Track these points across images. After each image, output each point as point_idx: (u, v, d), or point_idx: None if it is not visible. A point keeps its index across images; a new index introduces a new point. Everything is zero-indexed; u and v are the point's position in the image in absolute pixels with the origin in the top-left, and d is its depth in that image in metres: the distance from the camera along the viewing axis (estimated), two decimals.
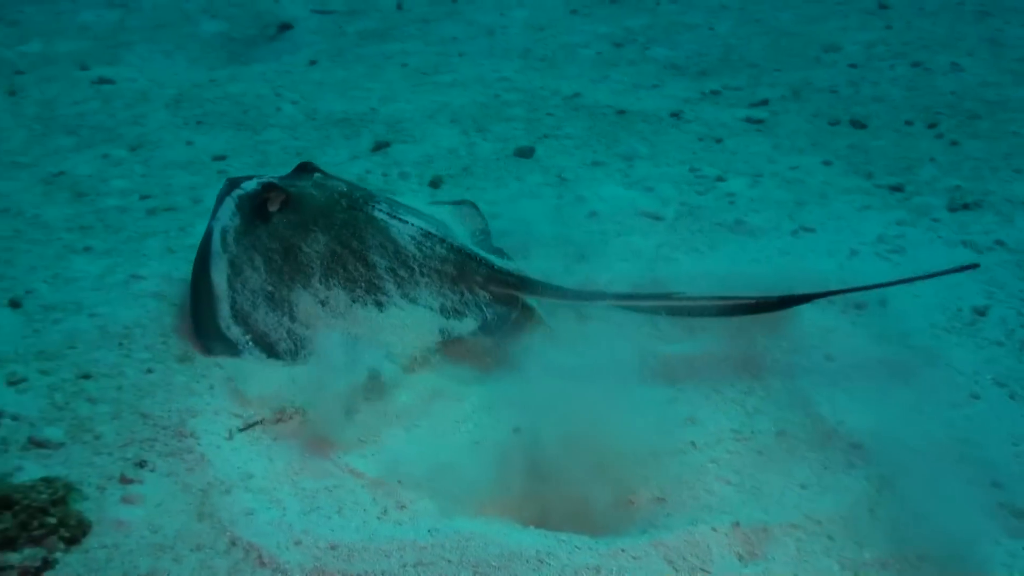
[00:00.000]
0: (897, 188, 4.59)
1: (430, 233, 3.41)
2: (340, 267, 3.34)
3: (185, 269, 4.06)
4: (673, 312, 3.25)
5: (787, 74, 6.24)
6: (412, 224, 3.42)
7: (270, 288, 3.36)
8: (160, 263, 4.22)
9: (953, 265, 3.23)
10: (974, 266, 3.22)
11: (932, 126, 5.41)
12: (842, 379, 3.20)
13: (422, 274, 3.33)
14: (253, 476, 2.93)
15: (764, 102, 5.76)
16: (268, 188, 3.44)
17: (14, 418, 3.22)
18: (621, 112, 5.69)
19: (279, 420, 3.23)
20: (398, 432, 3.14)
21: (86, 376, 3.42)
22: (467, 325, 3.34)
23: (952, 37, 6.97)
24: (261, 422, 3.22)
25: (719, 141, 5.24)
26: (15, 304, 3.94)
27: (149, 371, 3.43)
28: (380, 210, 3.44)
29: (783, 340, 3.39)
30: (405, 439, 3.12)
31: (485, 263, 3.37)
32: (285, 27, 8.27)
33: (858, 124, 5.37)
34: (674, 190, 4.61)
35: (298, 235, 3.38)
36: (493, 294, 3.37)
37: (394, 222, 3.42)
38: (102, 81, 6.79)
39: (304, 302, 3.33)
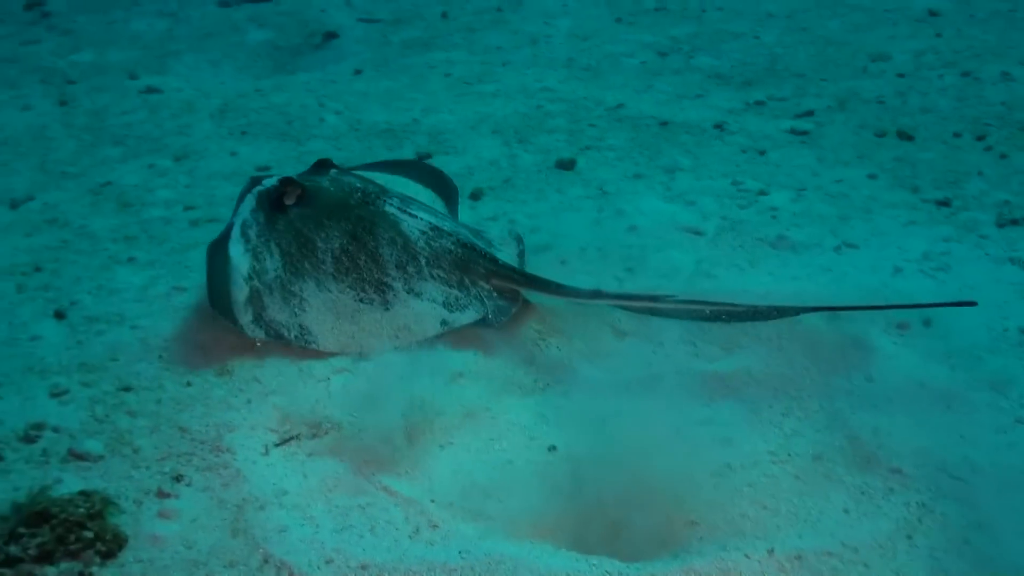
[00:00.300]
0: (944, 203, 4.51)
1: (438, 227, 3.57)
2: (351, 260, 3.51)
3: None
4: (665, 314, 3.38)
5: (833, 84, 6.16)
6: (421, 218, 3.59)
7: (283, 277, 3.54)
8: (202, 275, 4.23)
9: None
10: (972, 303, 3.21)
11: (981, 138, 5.31)
12: (883, 401, 3.15)
13: (429, 267, 3.47)
14: (287, 492, 2.95)
15: (809, 113, 5.69)
16: (285, 182, 3.60)
17: (55, 430, 3.27)
18: (664, 123, 5.65)
19: (315, 435, 3.24)
20: (432, 449, 3.13)
21: (126, 389, 3.46)
22: (468, 316, 3.48)
23: (1003, 45, 6.83)
24: (297, 437, 3.24)
25: (762, 153, 5.19)
26: (60, 315, 4.00)
27: (188, 384, 3.46)
28: (391, 204, 3.60)
29: (822, 360, 3.33)
30: (438, 456, 3.11)
31: (489, 258, 3.55)
32: (331, 36, 8.33)
33: (905, 136, 5.28)
34: (715, 204, 4.57)
35: (312, 227, 3.56)
36: (496, 288, 3.53)
37: (404, 216, 3.57)
38: (150, 91, 6.88)
39: (314, 292, 3.51)
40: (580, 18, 8.25)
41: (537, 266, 3.91)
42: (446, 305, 3.47)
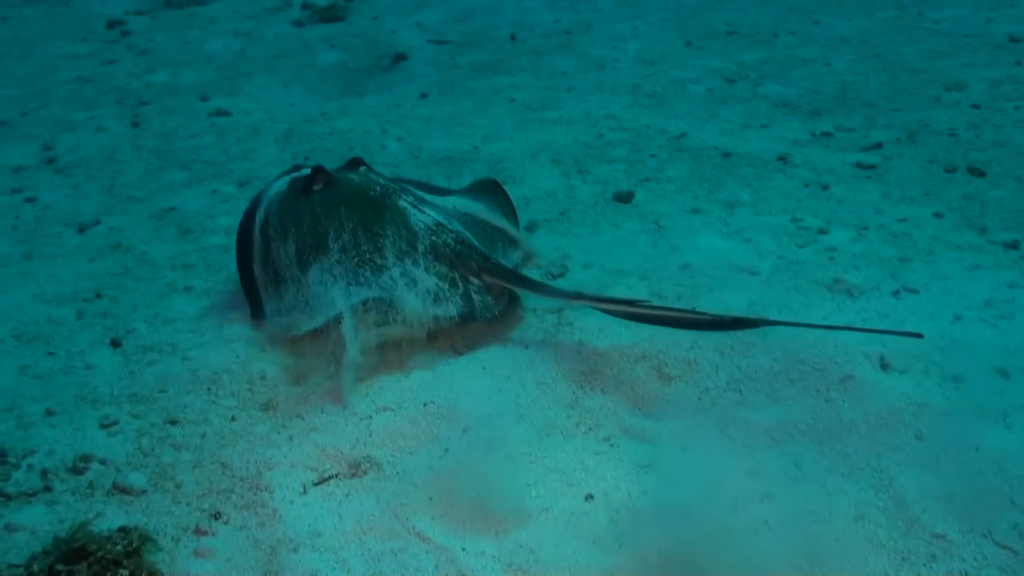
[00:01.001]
0: (1012, 245, 4.34)
1: (442, 224, 3.79)
2: (356, 243, 3.78)
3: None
4: (638, 318, 3.52)
5: (904, 115, 6.00)
6: (429, 215, 3.83)
7: (295, 250, 3.86)
8: None
9: None
10: (918, 335, 3.30)
11: None
12: (931, 461, 3.04)
13: (426, 259, 3.70)
14: (321, 535, 2.96)
15: (877, 145, 5.55)
16: (317, 170, 3.95)
17: (102, 462, 3.33)
18: (726, 155, 5.56)
19: (354, 475, 3.24)
20: (468, 493, 3.11)
21: (173, 422, 3.50)
22: (456, 309, 3.66)
23: None
24: (336, 476, 3.24)
25: (825, 188, 5.07)
26: (116, 343, 4.08)
27: (233, 419, 3.49)
28: (405, 200, 3.87)
29: (871, 415, 3.23)
30: (473, 500, 3.08)
31: (482, 255, 3.76)
32: (400, 58, 8.39)
33: (976, 172, 5.11)
34: (773, 242, 4.47)
35: (328, 209, 3.86)
36: (486, 284, 3.73)
37: (414, 211, 3.84)
38: (219, 113, 7.00)
39: (318, 269, 3.78)
40: (649, 41, 8.18)
41: None
42: (437, 296, 3.65)
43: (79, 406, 3.70)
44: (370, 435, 3.40)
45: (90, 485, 3.25)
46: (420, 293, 3.65)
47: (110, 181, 6.02)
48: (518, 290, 3.82)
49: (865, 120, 6.00)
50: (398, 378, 3.67)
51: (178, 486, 3.22)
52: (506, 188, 5.03)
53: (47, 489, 3.25)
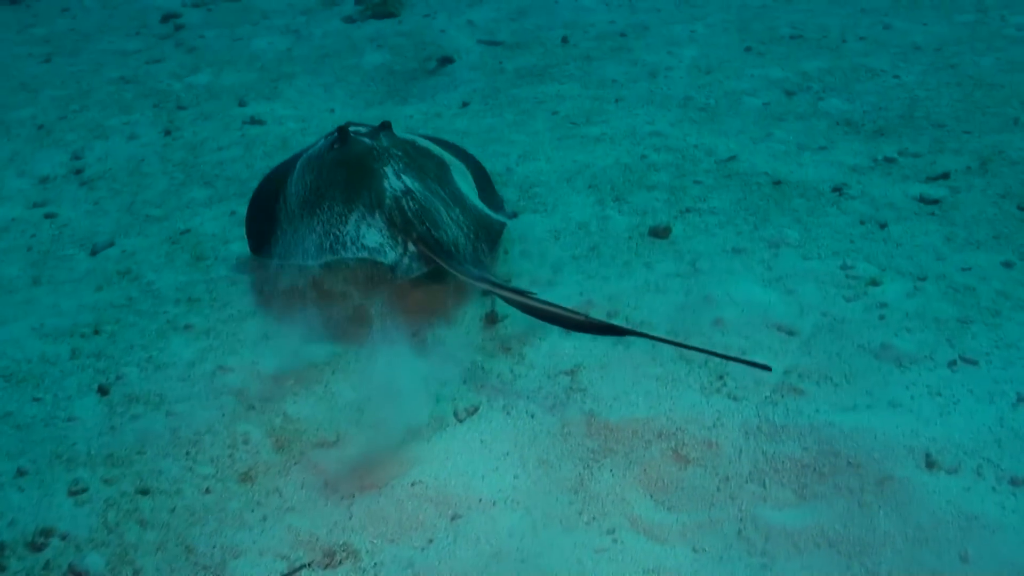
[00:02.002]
0: None
1: (409, 191, 4.16)
2: (340, 193, 4.22)
3: (275, 363, 3.87)
4: (526, 310, 3.58)
5: (977, 138, 5.47)
6: (403, 182, 4.21)
7: (301, 198, 4.33)
8: (251, 352, 4.05)
9: None
10: (767, 368, 3.26)
11: None
12: None
13: (382, 217, 4.11)
14: None
15: (944, 176, 5.04)
16: (340, 130, 4.41)
17: (63, 537, 3.11)
18: (777, 183, 5.11)
19: (328, 564, 2.94)
20: None
21: (144, 492, 3.28)
22: (388, 259, 4.05)
23: None
24: (308, 565, 2.93)
25: (883, 227, 4.60)
26: (103, 391, 3.86)
27: (207, 491, 3.24)
28: (391, 167, 4.26)
29: (910, 526, 2.81)
30: None
31: (427, 226, 4.06)
32: (446, 60, 8.06)
33: None
34: (818, 294, 4.03)
35: (329, 166, 4.32)
36: (418, 250, 4.00)
37: (392, 178, 4.23)
38: (253, 121, 6.76)
39: (307, 214, 4.26)
40: (707, 46, 7.71)
41: None
42: (378, 248, 4.06)
43: (52, 466, 3.47)
44: (350, 518, 3.10)
45: (46, 566, 3.01)
46: (370, 239, 4.09)
47: (131, 197, 5.80)
48: (444, 263, 3.99)
49: (933, 144, 5.48)
50: (391, 449, 3.33)
51: (136, 572, 2.93)
52: (536, 217, 4.70)
53: (1, 568, 2.99)
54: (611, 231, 4.76)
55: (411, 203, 4.12)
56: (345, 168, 4.26)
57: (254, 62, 8.58)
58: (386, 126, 4.51)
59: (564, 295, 4.22)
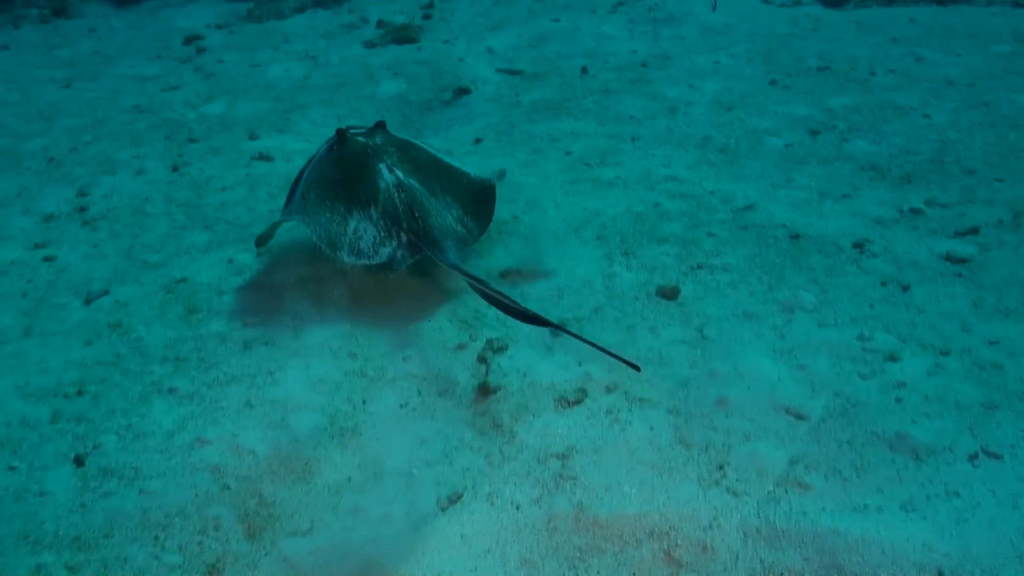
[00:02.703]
0: None
1: (401, 184, 4.53)
2: (337, 190, 4.59)
3: (256, 435, 3.69)
4: (482, 295, 4.00)
5: (1010, 187, 5.19)
6: (396, 176, 4.57)
7: (306, 192, 4.70)
8: (233, 422, 3.87)
9: None
10: (635, 367, 3.54)
11: None
12: None
13: (377, 212, 4.48)
14: None
15: (974, 230, 4.77)
16: (339, 132, 4.74)
17: None
18: (795, 237, 4.87)
19: None
20: None
21: None
22: (384, 255, 4.40)
23: None
24: None
25: (905, 289, 4.34)
26: (79, 461, 3.74)
27: None
28: (384, 163, 4.59)
29: None
30: None
31: (414, 219, 4.44)
32: (462, 91, 7.88)
33: None
34: (831, 369, 3.79)
35: (328, 165, 4.69)
36: (409, 241, 4.37)
37: (385, 173, 4.56)
38: (261, 157, 6.63)
39: (312, 203, 4.62)
40: (730, 79, 7.46)
41: None
42: (375, 242, 4.40)
43: (18, 548, 3.34)
44: None
45: None
46: (366, 240, 4.42)
47: (131, 240, 5.67)
48: (432, 253, 4.33)
49: (963, 193, 5.21)
50: (364, 543, 3.12)
51: None
52: (540, 274, 4.50)
53: None
54: (617, 290, 4.54)
55: (402, 195, 4.45)
56: (343, 166, 4.58)
57: (269, 91, 8.45)
58: (381, 125, 4.83)
59: (562, 363, 4.03)
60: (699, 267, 4.70)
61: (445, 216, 4.57)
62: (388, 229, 4.42)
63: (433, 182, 4.70)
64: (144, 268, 5.32)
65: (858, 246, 4.76)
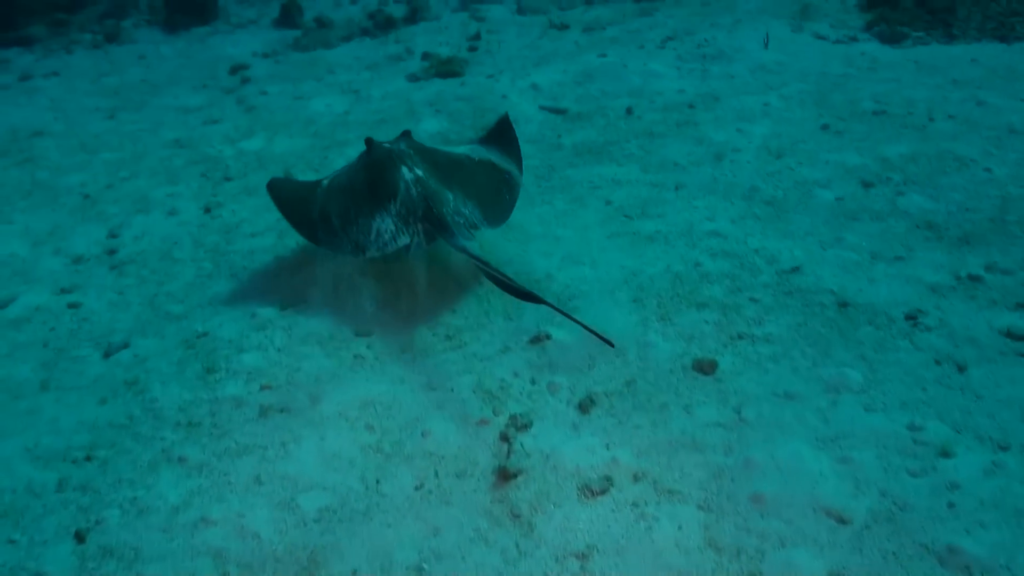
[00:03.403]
0: None
1: (419, 180, 4.88)
2: (362, 190, 4.98)
3: (263, 516, 3.50)
4: (487, 276, 4.35)
5: None
6: (415, 174, 4.92)
7: (334, 193, 5.10)
8: (240, 500, 3.71)
9: None
10: (610, 344, 3.94)
11: None
12: None
13: (395, 207, 4.83)
14: None
15: None
16: (368, 141, 5.15)
17: None
18: (844, 305, 4.59)
19: None
20: None
21: None
22: (401, 242, 4.76)
23: None
24: None
25: (962, 370, 4.04)
26: (80, 537, 3.65)
27: None
28: (406, 164, 4.96)
29: None
30: None
31: (428, 208, 4.78)
32: None
33: None
34: (877, 464, 3.51)
35: (356, 168, 5.14)
36: (425, 229, 4.74)
37: (406, 173, 4.92)
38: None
39: (339, 204, 5.00)
40: (780, 122, 7.18)
41: None
42: (394, 234, 4.76)
43: None
44: None
45: None
46: (385, 233, 4.78)
47: (156, 288, 5.54)
48: (444, 239, 4.70)
49: None
50: None
51: None
52: (572, 337, 4.35)
53: None
54: (651, 361, 4.29)
55: (419, 188, 4.81)
56: (370, 169, 4.98)
57: (309, 126, 8.33)
58: (406, 134, 5.25)
59: (588, 445, 3.80)
60: (739, 337, 4.43)
61: (460, 207, 4.87)
62: (406, 220, 4.75)
63: (451, 179, 5.00)
64: (166, 319, 5.18)
65: (911, 318, 4.45)
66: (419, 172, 4.91)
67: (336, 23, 12.70)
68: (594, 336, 3.93)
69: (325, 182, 5.18)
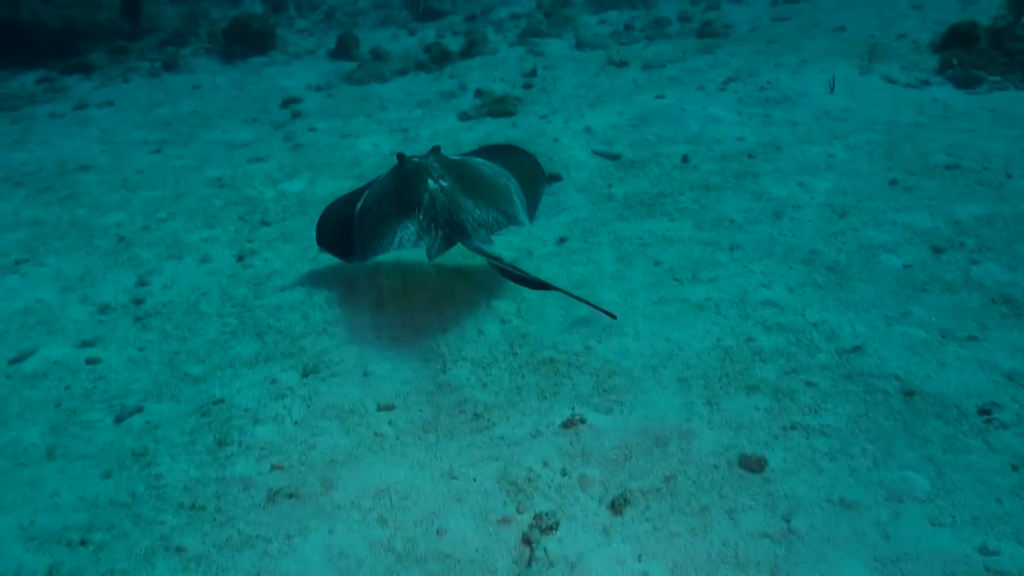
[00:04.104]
0: None
1: (445, 188, 5.23)
2: (390, 198, 5.32)
3: None
4: (500, 271, 4.69)
5: None
6: (440, 185, 5.26)
7: (369, 202, 5.46)
8: None
9: None
10: (612, 316, 4.55)
11: None
12: None
13: (418, 213, 5.17)
14: None
15: None
16: (399, 156, 5.52)
17: None
18: (910, 394, 4.16)
19: None
20: None
21: None
22: (423, 245, 5.05)
23: None
24: None
25: None
26: None
27: None
28: (431, 176, 5.32)
29: None
30: None
31: (449, 214, 5.11)
32: (553, 178, 7.40)
33: None
34: None
35: (388, 182, 5.47)
36: (445, 235, 5.01)
37: (431, 183, 5.27)
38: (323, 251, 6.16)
39: (370, 212, 5.37)
40: (845, 175, 6.75)
41: None
42: (417, 236, 5.09)
43: None
44: None
45: None
46: (409, 230, 5.14)
47: (178, 345, 5.30)
48: (462, 242, 5.00)
49: None
50: None
51: None
52: (608, 420, 4.11)
53: None
54: (694, 454, 3.91)
55: (443, 197, 5.14)
56: (399, 180, 5.35)
57: (354, 167, 8.10)
58: (436, 150, 5.63)
59: (618, 555, 3.44)
60: (792, 428, 4.03)
61: (479, 214, 5.18)
62: (428, 225, 5.08)
63: (474, 189, 5.31)
64: (184, 381, 4.93)
65: (985, 412, 4.01)
66: (443, 183, 5.26)
67: (392, 55, 12.53)
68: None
69: (360, 204, 5.51)
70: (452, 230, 5.01)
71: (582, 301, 4.64)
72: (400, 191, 5.29)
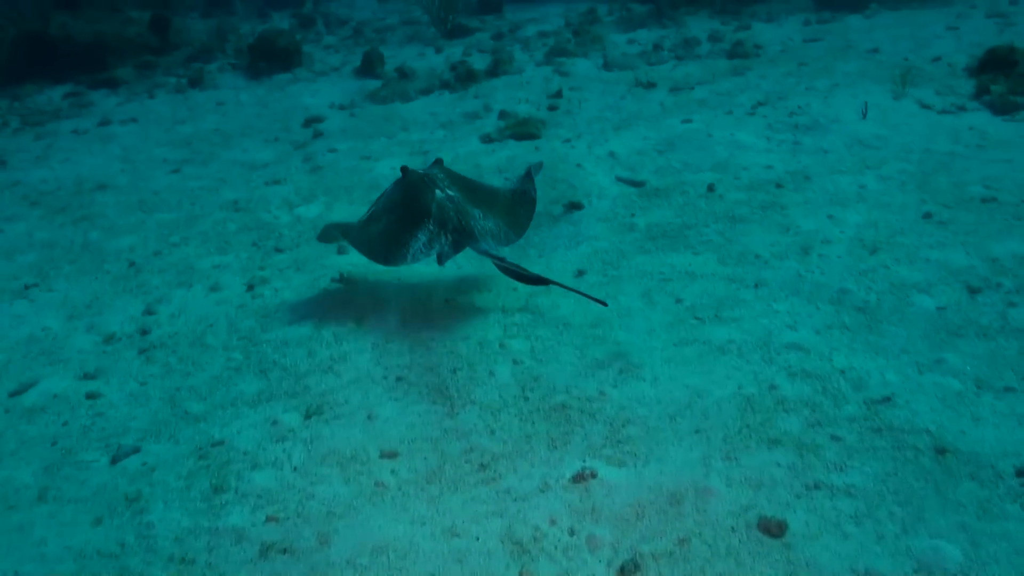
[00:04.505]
0: None
1: (453, 198, 5.48)
2: (398, 206, 5.54)
3: None
4: (502, 270, 5.03)
5: None
6: (447, 194, 5.50)
7: (376, 210, 5.66)
8: None
9: None
10: (603, 303, 4.86)
11: None
12: None
13: (429, 221, 5.39)
14: None
15: None
16: (403, 169, 5.70)
17: None
18: (942, 451, 3.91)
19: None
20: None
21: None
22: (434, 251, 5.27)
23: None
24: None
25: None
26: None
27: None
28: (438, 187, 5.51)
29: None
30: None
31: (458, 220, 5.38)
32: (574, 206, 7.21)
33: None
34: None
35: (394, 193, 5.65)
36: (453, 239, 5.29)
37: (438, 192, 5.48)
38: (343, 279, 6.03)
39: (378, 220, 5.54)
40: (877, 208, 6.50)
41: None
42: (427, 243, 5.29)
43: None
44: None
45: None
46: (420, 241, 5.30)
47: (180, 381, 5.14)
48: (471, 247, 5.25)
49: None
50: None
51: None
52: (621, 474, 3.88)
53: None
54: (710, 515, 3.68)
55: (451, 205, 5.39)
56: (405, 190, 5.54)
57: (372, 191, 7.93)
58: (439, 162, 5.77)
59: None
60: (816, 487, 3.78)
61: (485, 223, 5.45)
62: (438, 232, 5.30)
63: (478, 200, 5.58)
64: (184, 421, 4.77)
65: (1022, 473, 3.73)
66: (450, 192, 5.49)
67: (417, 73, 12.39)
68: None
69: (365, 216, 5.67)
70: (461, 235, 5.26)
71: (576, 292, 4.95)
72: (408, 201, 5.47)
